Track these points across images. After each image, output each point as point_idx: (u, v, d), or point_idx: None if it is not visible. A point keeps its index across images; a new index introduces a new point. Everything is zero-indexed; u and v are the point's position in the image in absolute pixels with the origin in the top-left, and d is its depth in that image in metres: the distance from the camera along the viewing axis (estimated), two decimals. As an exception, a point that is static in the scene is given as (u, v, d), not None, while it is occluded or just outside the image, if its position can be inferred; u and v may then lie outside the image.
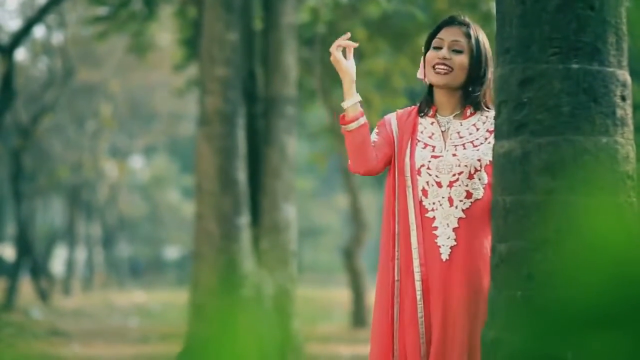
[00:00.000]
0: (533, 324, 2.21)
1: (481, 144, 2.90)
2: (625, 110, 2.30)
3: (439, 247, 2.85)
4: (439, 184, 2.88)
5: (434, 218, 2.87)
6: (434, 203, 2.88)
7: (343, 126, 2.88)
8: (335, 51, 2.85)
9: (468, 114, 2.95)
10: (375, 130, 2.98)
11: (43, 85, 16.74)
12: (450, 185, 2.87)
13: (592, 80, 2.26)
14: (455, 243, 2.85)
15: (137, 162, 36.34)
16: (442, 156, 2.90)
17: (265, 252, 7.85)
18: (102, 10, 11.22)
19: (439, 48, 2.92)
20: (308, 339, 8.42)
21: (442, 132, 2.94)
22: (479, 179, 2.88)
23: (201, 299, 7.43)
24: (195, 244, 7.76)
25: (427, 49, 2.97)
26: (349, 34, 2.89)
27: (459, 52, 2.90)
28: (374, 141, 2.93)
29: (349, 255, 13.23)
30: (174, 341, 8.35)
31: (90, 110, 21.71)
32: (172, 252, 38.48)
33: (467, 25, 2.92)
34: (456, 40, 2.90)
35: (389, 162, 2.95)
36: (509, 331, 2.27)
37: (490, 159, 2.85)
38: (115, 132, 24.74)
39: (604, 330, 2.02)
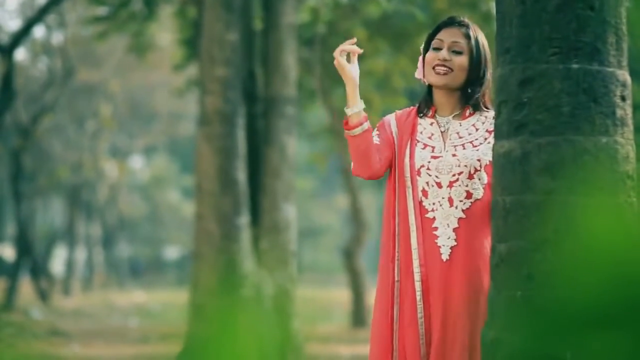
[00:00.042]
0: (533, 324, 2.21)
1: (481, 144, 2.90)
2: (625, 111, 2.30)
3: (439, 247, 2.86)
4: (439, 185, 2.88)
5: (434, 218, 2.87)
6: (434, 203, 2.88)
7: (347, 131, 2.87)
8: (339, 56, 2.84)
9: (467, 114, 2.95)
10: (375, 132, 2.98)
11: (43, 85, 16.73)
12: (450, 185, 2.87)
13: (592, 80, 2.26)
14: (455, 243, 2.85)
15: (137, 162, 36.35)
16: (442, 156, 2.90)
17: (265, 252, 7.85)
18: (102, 10, 11.22)
19: (438, 49, 2.92)
20: (308, 339, 8.42)
21: (441, 132, 2.95)
22: (479, 179, 2.88)
23: (201, 299, 7.43)
24: (195, 244, 7.76)
25: (426, 49, 2.97)
26: (354, 39, 2.89)
27: (459, 53, 2.90)
28: (375, 144, 2.93)
29: (349, 255, 13.23)
30: (174, 341, 8.35)
31: (90, 110, 21.70)
32: (172, 252, 38.48)
33: (467, 26, 2.93)
34: (456, 42, 2.90)
35: (390, 164, 2.95)
36: (508, 331, 2.27)
37: (490, 159, 2.85)
38: (115, 132, 24.74)
39: (603, 330, 2.02)
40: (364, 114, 2.87)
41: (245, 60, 8.18)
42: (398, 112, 3.06)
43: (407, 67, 10.83)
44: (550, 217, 2.22)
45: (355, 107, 2.85)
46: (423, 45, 3.01)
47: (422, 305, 2.84)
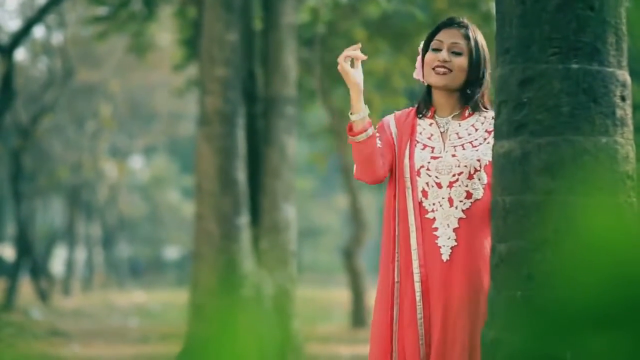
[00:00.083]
0: (532, 324, 2.21)
1: (480, 144, 2.91)
2: (625, 111, 2.30)
3: (440, 247, 2.86)
4: (439, 185, 2.88)
5: (434, 219, 2.88)
6: (434, 204, 2.88)
7: (351, 137, 2.86)
8: (343, 62, 2.84)
9: (466, 114, 2.96)
10: (376, 134, 2.98)
11: (43, 85, 16.73)
12: (450, 185, 2.87)
13: (592, 80, 2.26)
14: (455, 243, 2.85)
15: (137, 162, 36.35)
16: (442, 157, 2.90)
17: (265, 252, 7.85)
18: (101, 11, 11.22)
19: (438, 50, 2.92)
20: (308, 339, 8.42)
21: (441, 133, 2.95)
22: (479, 179, 2.88)
23: (201, 299, 7.43)
24: (195, 244, 7.76)
25: (425, 50, 2.97)
26: (359, 45, 2.88)
27: (458, 54, 2.91)
28: (379, 148, 2.92)
29: (349, 255, 13.23)
30: (174, 341, 8.35)
31: (90, 110, 21.70)
32: (172, 252, 38.48)
33: (466, 27, 2.93)
34: (455, 42, 2.91)
35: (392, 167, 2.95)
36: (508, 331, 2.27)
37: (490, 159, 2.85)
38: (115, 132, 24.74)
39: (603, 330, 2.02)
40: (368, 119, 2.86)
41: (245, 61, 8.18)
42: (397, 112, 3.06)
43: (407, 67, 10.83)
44: (550, 217, 2.22)
45: (359, 113, 2.84)
46: (422, 45, 3.02)
47: (421, 306, 2.85)
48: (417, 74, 3.04)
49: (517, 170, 2.29)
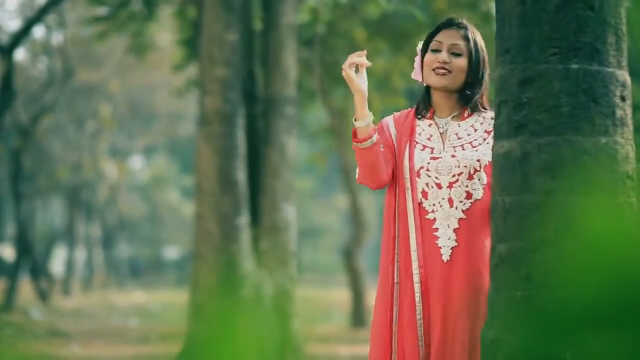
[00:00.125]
0: (532, 324, 2.21)
1: (480, 144, 2.91)
2: (624, 111, 2.30)
3: (440, 248, 2.86)
4: (439, 186, 2.88)
5: (434, 219, 2.88)
6: (434, 204, 2.88)
7: (355, 143, 2.86)
8: (348, 69, 2.83)
9: (466, 115, 2.96)
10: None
11: (43, 85, 16.73)
12: (450, 186, 2.87)
13: (592, 80, 2.26)
14: (456, 244, 2.85)
15: (136, 162, 36.34)
16: (441, 157, 2.90)
17: (264, 252, 7.84)
18: (101, 11, 11.22)
19: (437, 51, 2.92)
20: (307, 339, 8.42)
21: (440, 133, 2.95)
22: (479, 180, 2.88)
23: (201, 299, 7.43)
24: (195, 244, 7.76)
25: (424, 51, 2.97)
26: (365, 52, 2.88)
27: (458, 55, 2.91)
28: (382, 151, 2.92)
29: (349, 255, 13.23)
30: (174, 341, 8.35)
31: (89, 110, 21.70)
32: (171, 253, 38.48)
33: (465, 28, 2.93)
34: (455, 44, 2.91)
35: (394, 169, 2.95)
36: (508, 331, 2.27)
37: (489, 159, 2.85)
38: (115, 132, 24.74)
39: (602, 330, 2.02)
40: (372, 125, 2.86)
41: (245, 61, 8.18)
42: (396, 114, 3.06)
43: (406, 68, 10.83)
44: (549, 218, 2.22)
45: (364, 120, 2.84)
46: (420, 46, 3.02)
47: (421, 307, 2.84)
48: (415, 75, 3.04)
49: (517, 170, 2.29)
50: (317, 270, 33.79)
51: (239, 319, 2.11)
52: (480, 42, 2.94)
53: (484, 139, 2.91)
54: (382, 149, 2.90)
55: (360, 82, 2.83)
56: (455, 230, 2.85)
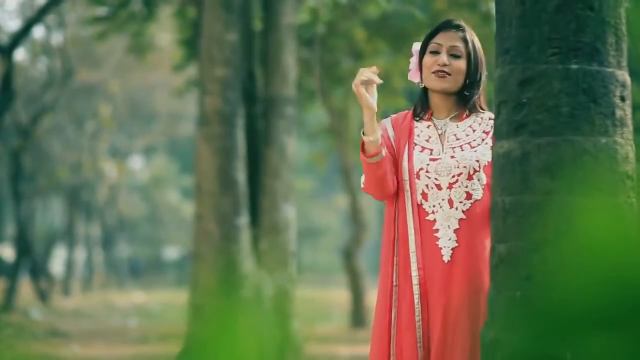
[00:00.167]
0: (532, 324, 2.21)
1: (478, 145, 2.91)
2: (624, 111, 2.30)
3: (441, 248, 2.86)
4: (439, 187, 2.88)
5: (434, 221, 2.88)
6: (434, 206, 2.88)
7: (364, 157, 2.86)
8: (359, 86, 2.83)
9: (464, 116, 2.96)
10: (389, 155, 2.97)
11: (42, 85, 16.74)
12: (450, 187, 2.87)
13: (592, 80, 2.26)
14: (456, 244, 2.85)
15: (136, 162, 36.35)
16: (441, 159, 2.90)
17: (264, 252, 7.84)
18: (101, 11, 11.22)
19: (436, 52, 2.93)
20: (307, 339, 8.42)
21: (439, 135, 2.95)
22: (478, 180, 2.88)
23: (201, 300, 7.43)
24: (194, 244, 7.76)
25: (422, 52, 2.97)
26: (376, 70, 2.88)
27: (457, 56, 2.91)
28: (389, 164, 2.92)
29: (349, 255, 13.23)
30: (174, 342, 8.35)
31: (89, 110, 21.71)
32: (171, 253, 38.48)
33: (464, 30, 2.94)
34: (454, 46, 2.91)
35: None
36: (508, 331, 2.27)
37: (488, 159, 2.86)
38: (115, 132, 24.74)
39: (602, 331, 2.02)
40: (380, 140, 2.86)
41: (245, 61, 8.18)
42: (393, 116, 3.06)
43: (406, 68, 10.73)
44: (549, 218, 2.22)
45: (373, 136, 2.84)
46: (416, 47, 3.02)
47: (419, 308, 2.84)
48: (412, 76, 3.04)
49: (516, 170, 2.29)
50: (317, 271, 33.79)
51: (239, 319, 2.11)
52: (478, 44, 2.95)
53: (483, 140, 2.91)
54: (389, 161, 2.90)
55: (369, 99, 2.83)
56: (455, 230, 2.86)
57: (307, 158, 16.28)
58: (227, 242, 7.53)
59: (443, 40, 2.93)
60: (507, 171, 2.31)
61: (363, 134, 2.86)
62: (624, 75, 2.30)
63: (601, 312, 2.00)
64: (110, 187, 26.36)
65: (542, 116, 2.26)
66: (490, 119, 2.93)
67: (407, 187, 2.90)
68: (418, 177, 2.90)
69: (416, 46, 3.05)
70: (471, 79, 2.93)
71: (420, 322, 2.84)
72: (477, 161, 2.88)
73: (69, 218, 23.49)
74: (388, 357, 2.88)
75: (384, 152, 2.86)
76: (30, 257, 16.57)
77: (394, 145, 2.96)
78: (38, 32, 23.99)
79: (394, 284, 2.90)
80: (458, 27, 2.94)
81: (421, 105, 3.01)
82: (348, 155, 12.88)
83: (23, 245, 15.90)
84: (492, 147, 2.54)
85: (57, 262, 28.14)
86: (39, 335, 10.98)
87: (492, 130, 2.87)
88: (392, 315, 2.89)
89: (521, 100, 2.29)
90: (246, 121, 7.99)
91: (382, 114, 2.92)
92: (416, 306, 2.85)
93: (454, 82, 2.92)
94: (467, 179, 2.87)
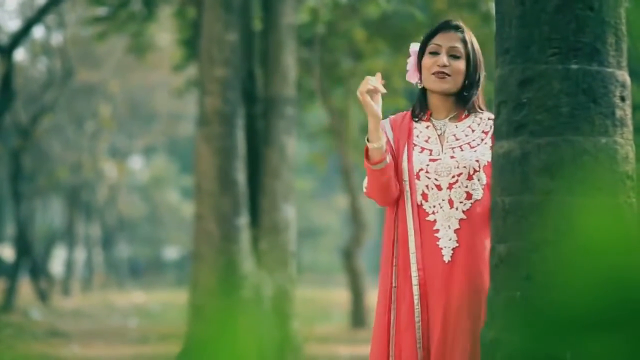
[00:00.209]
0: (532, 325, 2.21)
1: (478, 145, 2.91)
2: (624, 111, 2.30)
3: (441, 249, 2.86)
4: (439, 187, 2.88)
5: (434, 221, 2.88)
6: (434, 206, 2.88)
7: (368, 165, 2.86)
8: (365, 94, 2.83)
9: (463, 116, 2.96)
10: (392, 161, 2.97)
11: (42, 85, 16.74)
12: (450, 187, 2.87)
13: (592, 80, 2.26)
14: (457, 244, 2.85)
15: (136, 162, 36.35)
16: (440, 159, 2.90)
17: (264, 252, 7.84)
18: (101, 11, 11.22)
19: (435, 53, 2.92)
20: (307, 339, 8.42)
21: (438, 135, 2.95)
22: (478, 180, 2.88)
23: (200, 300, 7.43)
24: (194, 244, 7.76)
25: (421, 53, 2.97)
26: (382, 81, 2.87)
27: (457, 57, 2.91)
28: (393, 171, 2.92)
29: (348, 255, 13.23)
30: (174, 342, 8.35)
31: (89, 110, 21.71)
32: (171, 253, 38.48)
33: (462, 30, 2.94)
34: (454, 46, 2.91)
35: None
36: (508, 331, 2.27)
37: (488, 159, 2.86)
38: (115, 132, 24.74)
39: (602, 331, 2.02)
40: (385, 147, 2.86)
41: (245, 61, 8.18)
42: (391, 117, 3.06)
43: (406, 68, 10.83)
44: (549, 218, 2.22)
45: (377, 143, 2.84)
46: (413, 47, 3.01)
47: (419, 309, 2.84)
48: (410, 77, 3.04)
49: (516, 170, 2.28)
50: (317, 271, 33.79)
51: (239, 320, 2.11)
52: (476, 44, 2.95)
53: (482, 140, 2.92)
54: (393, 167, 2.90)
55: (375, 107, 2.83)
56: (456, 230, 2.86)
57: (307, 158, 16.28)
58: (227, 242, 7.53)
59: (442, 41, 2.92)
60: (507, 171, 2.31)
61: (367, 140, 2.86)
62: (624, 75, 2.30)
63: (601, 313, 2.00)
64: (110, 187, 26.37)
65: (542, 116, 2.26)
66: (489, 119, 2.94)
67: (407, 187, 2.90)
68: (418, 177, 2.90)
69: (413, 47, 3.04)
70: (470, 80, 2.93)
71: (420, 322, 2.84)
72: (477, 161, 2.88)
73: (68, 218, 23.49)
74: (387, 357, 2.88)
75: (388, 158, 2.86)
76: (30, 257, 16.57)
77: (393, 147, 2.96)
78: (38, 32, 24.01)
79: (393, 285, 2.90)
80: (457, 28, 2.94)
81: (420, 105, 3.01)
82: (348, 155, 12.88)
83: (23, 245, 15.90)
84: (491, 147, 2.54)
85: (57, 262, 28.14)
86: (39, 335, 10.98)
87: (492, 130, 2.87)
88: (391, 317, 2.89)
89: (521, 100, 2.29)
90: (246, 121, 7.99)
91: (382, 114, 2.91)
92: (416, 307, 2.84)
93: (454, 83, 2.92)
94: (467, 179, 2.87)
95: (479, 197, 2.87)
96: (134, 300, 21.01)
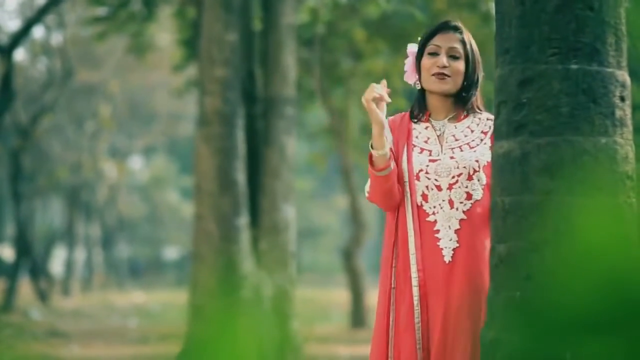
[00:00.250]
0: (532, 325, 2.21)
1: (477, 145, 2.91)
2: (624, 111, 2.29)
3: (442, 249, 2.85)
4: (439, 188, 2.88)
5: (435, 222, 2.88)
6: (434, 207, 2.88)
7: (372, 171, 2.86)
8: (370, 102, 2.83)
9: (462, 117, 2.96)
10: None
11: (42, 85, 16.74)
12: (450, 187, 2.87)
13: (591, 80, 2.26)
14: (457, 245, 2.85)
15: (136, 162, 36.35)
16: (440, 159, 2.90)
17: (264, 252, 7.84)
18: (101, 11, 11.22)
19: (435, 54, 2.92)
20: (307, 339, 8.42)
21: (437, 136, 2.95)
22: (478, 180, 2.88)
23: (200, 300, 7.43)
24: (194, 244, 7.75)
25: (420, 54, 2.97)
26: (388, 89, 2.86)
27: (456, 58, 2.91)
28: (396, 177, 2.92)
29: (348, 255, 13.23)
30: (174, 342, 8.35)
31: (89, 110, 21.70)
32: (171, 253, 38.48)
33: (461, 31, 2.94)
34: (453, 47, 2.91)
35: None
36: (508, 331, 2.27)
37: (488, 159, 2.86)
38: (115, 132, 24.74)
39: (602, 331, 2.02)
40: (389, 154, 2.86)
41: (245, 61, 8.17)
42: (390, 118, 3.06)
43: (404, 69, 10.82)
44: (549, 218, 2.22)
45: (382, 150, 2.84)
46: (411, 48, 3.01)
47: (419, 310, 2.84)
48: (408, 78, 3.03)
49: (516, 170, 2.28)
50: (317, 271, 33.79)
51: (239, 320, 2.11)
52: (475, 45, 2.96)
53: (481, 140, 2.92)
54: (396, 172, 2.89)
55: (379, 114, 2.83)
56: (456, 231, 2.86)
57: (307, 158, 16.28)
58: (227, 242, 7.53)
59: (441, 41, 2.92)
60: (506, 171, 2.31)
61: (371, 147, 2.86)
62: (623, 76, 2.30)
63: (601, 313, 2.00)
64: (110, 187, 26.36)
65: (542, 116, 2.26)
66: (488, 119, 2.94)
67: (407, 188, 2.90)
68: (418, 178, 2.90)
69: (411, 47, 3.03)
70: (469, 80, 2.93)
71: (420, 323, 2.84)
72: (477, 161, 2.88)
73: (68, 218, 23.48)
74: (386, 358, 2.88)
75: (392, 165, 2.86)
76: (30, 257, 16.57)
77: (392, 148, 2.96)
78: (38, 32, 23.99)
79: (392, 286, 2.90)
80: (456, 29, 2.94)
81: (418, 106, 3.01)
82: (348, 155, 12.88)
83: (23, 245, 15.90)
84: (491, 148, 2.54)
85: (56, 262, 28.14)
86: (38, 335, 10.98)
87: (491, 131, 2.87)
88: (390, 318, 2.89)
89: (521, 100, 2.29)
90: (246, 121, 7.99)
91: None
92: (415, 308, 2.84)
93: (454, 84, 2.92)
94: (467, 179, 2.87)
95: (479, 198, 2.87)
96: (134, 301, 21.01)
